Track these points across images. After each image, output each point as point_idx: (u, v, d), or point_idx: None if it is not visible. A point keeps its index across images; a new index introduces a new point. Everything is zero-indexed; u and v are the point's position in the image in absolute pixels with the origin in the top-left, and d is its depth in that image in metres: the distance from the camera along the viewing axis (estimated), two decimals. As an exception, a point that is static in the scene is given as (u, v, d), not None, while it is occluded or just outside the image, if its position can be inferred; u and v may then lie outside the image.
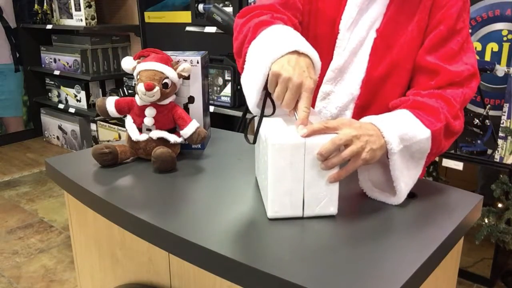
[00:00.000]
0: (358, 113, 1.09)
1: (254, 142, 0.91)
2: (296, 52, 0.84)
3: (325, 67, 1.10)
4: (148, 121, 1.09)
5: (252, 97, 0.88)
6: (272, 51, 0.85)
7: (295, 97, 0.82)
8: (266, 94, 0.88)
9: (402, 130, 0.88)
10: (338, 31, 1.08)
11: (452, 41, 1.02)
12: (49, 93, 4.13)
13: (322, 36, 1.10)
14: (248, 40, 0.94)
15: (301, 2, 1.09)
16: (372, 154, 0.83)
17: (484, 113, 2.03)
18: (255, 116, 0.90)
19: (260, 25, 0.93)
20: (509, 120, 1.86)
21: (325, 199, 0.83)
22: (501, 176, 1.85)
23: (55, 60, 3.91)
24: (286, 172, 0.80)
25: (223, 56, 2.63)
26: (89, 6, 3.45)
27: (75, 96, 3.83)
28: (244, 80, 0.92)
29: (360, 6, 1.05)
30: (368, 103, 1.10)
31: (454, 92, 1.00)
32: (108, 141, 3.40)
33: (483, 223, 1.87)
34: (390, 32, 1.05)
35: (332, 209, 0.84)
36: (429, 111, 0.94)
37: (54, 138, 4.16)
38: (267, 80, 0.85)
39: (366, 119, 0.89)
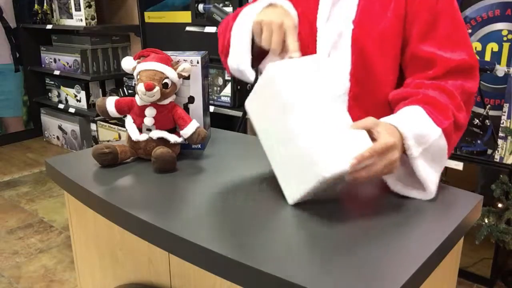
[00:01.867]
0: (353, 106, 1.10)
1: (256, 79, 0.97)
2: (270, 6, 0.98)
3: None
4: (148, 121, 1.09)
5: (246, 59, 1.01)
6: (251, 12, 0.99)
7: (281, 36, 0.92)
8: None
9: (418, 131, 0.89)
10: (317, 29, 1.10)
11: (440, 24, 1.02)
12: (49, 93, 4.13)
13: (305, 38, 1.13)
14: (230, 27, 1.07)
15: None
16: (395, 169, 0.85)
17: (484, 113, 2.03)
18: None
19: (236, 14, 1.08)
20: (509, 120, 1.86)
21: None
22: (501, 176, 1.85)
23: (55, 60, 3.92)
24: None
25: (223, 56, 2.63)
26: (89, 6, 3.45)
27: (75, 96, 3.83)
28: (233, 52, 1.04)
29: (333, 1, 1.08)
30: (361, 94, 1.11)
31: (454, 84, 1.00)
32: (108, 141, 3.40)
33: (483, 223, 1.86)
34: (367, 22, 1.06)
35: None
36: (440, 108, 0.95)
37: (54, 138, 4.16)
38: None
39: (386, 120, 0.89)
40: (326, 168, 0.77)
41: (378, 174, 0.83)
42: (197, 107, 1.18)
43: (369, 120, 0.85)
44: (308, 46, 1.12)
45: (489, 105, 2.04)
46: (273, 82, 0.83)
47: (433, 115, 0.93)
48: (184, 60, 1.13)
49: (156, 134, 1.08)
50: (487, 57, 2.04)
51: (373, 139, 0.84)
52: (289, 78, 0.82)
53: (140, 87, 1.04)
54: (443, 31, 1.02)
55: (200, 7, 2.61)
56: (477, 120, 2.05)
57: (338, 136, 0.81)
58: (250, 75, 1.02)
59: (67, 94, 3.93)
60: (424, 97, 0.97)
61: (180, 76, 1.10)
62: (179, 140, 1.10)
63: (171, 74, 1.07)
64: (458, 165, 1.97)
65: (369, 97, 1.10)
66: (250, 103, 0.93)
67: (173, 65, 1.09)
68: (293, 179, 0.86)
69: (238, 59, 1.03)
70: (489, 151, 1.98)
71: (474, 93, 1.04)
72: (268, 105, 0.87)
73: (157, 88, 1.04)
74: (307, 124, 0.80)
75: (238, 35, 1.02)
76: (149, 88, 1.03)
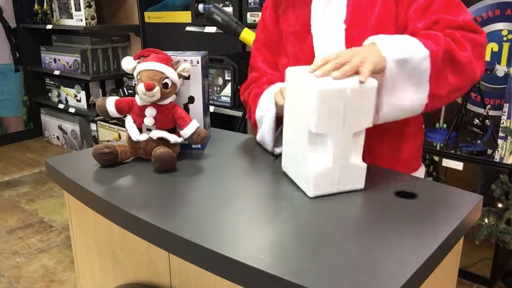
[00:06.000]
0: None
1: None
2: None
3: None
4: (148, 121, 1.09)
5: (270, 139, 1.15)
6: (270, 95, 1.12)
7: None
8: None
9: (400, 44, 0.93)
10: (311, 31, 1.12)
11: (435, 3, 1.01)
12: (49, 93, 4.13)
13: (302, 41, 1.14)
14: (253, 111, 1.21)
15: (275, 32, 1.22)
16: (365, 59, 0.88)
17: (484, 113, 2.03)
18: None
19: (255, 97, 1.20)
20: (509, 120, 1.86)
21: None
22: (501, 176, 1.85)
23: (55, 60, 3.92)
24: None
25: (223, 56, 2.63)
26: (89, 6, 3.45)
27: (75, 96, 3.83)
28: (264, 134, 1.17)
29: (324, 4, 1.09)
30: None
31: (458, 31, 0.98)
32: (108, 141, 3.40)
33: (483, 223, 1.86)
34: (358, 20, 1.07)
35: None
36: (430, 37, 0.96)
37: (54, 138, 4.16)
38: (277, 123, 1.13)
39: (367, 41, 0.96)
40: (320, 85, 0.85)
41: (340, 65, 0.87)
42: (197, 107, 1.18)
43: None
44: (305, 49, 1.13)
45: (489, 105, 2.05)
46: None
47: (423, 40, 0.94)
48: (184, 60, 1.13)
49: (156, 134, 1.08)
50: (487, 57, 2.04)
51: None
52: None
53: (140, 87, 1.04)
54: (438, 5, 1.01)
55: (200, 7, 2.61)
56: (477, 120, 2.05)
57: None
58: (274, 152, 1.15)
59: (67, 94, 3.93)
60: (417, 34, 0.99)
61: (180, 76, 1.10)
62: (179, 140, 1.10)
63: (171, 74, 1.07)
64: (458, 165, 1.97)
65: None
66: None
67: (173, 65, 1.09)
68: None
69: (265, 140, 1.17)
70: (489, 151, 1.98)
71: (480, 43, 1.00)
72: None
73: (157, 88, 1.04)
74: None
75: (263, 120, 1.15)
76: (149, 88, 1.03)
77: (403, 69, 0.93)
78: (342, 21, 1.07)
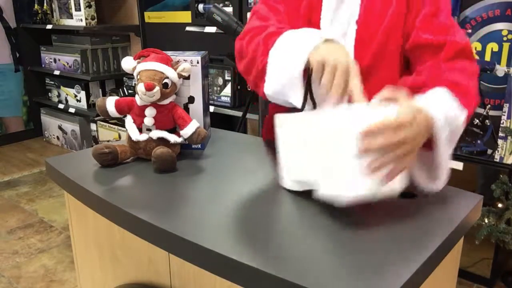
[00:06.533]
0: None
1: (303, 108, 0.93)
2: (328, 40, 0.90)
3: None
4: (148, 121, 1.09)
5: (298, 95, 0.93)
6: (307, 42, 0.90)
7: (344, 81, 0.84)
8: (307, 89, 0.92)
9: (450, 114, 0.87)
10: (320, 29, 1.10)
11: (441, 15, 1.03)
12: (49, 93, 4.13)
13: None
14: (262, 52, 0.99)
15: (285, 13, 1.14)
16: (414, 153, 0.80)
17: (484, 113, 2.03)
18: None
19: (270, 36, 1.00)
20: (509, 120, 1.86)
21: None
22: (501, 176, 1.85)
23: (55, 60, 3.91)
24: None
25: (223, 56, 2.63)
26: (89, 6, 3.45)
27: (75, 96, 3.83)
28: (277, 81, 0.97)
29: (336, 4, 1.08)
30: (365, 93, 1.11)
31: (464, 64, 0.99)
32: (108, 141, 3.40)
33: (483, 223, 1.86)
34: (370, 21, 1.07)
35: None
36: (464, 91, 0.93)
37: (54, 138, 4.16)
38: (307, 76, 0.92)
39: (420, 103, 0.84)
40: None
41: (389, 150, 0.76)
42: (197, 107, 1.18)
43: (396, 92, 0.83)
44: None
45: (489, 105, 2.04)
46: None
47: (459, 97, 0.91)
48: (184, 60, 1.13)
49: (156, 134, 1.08)
50: (487, 57, 2.04)
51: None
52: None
53: (140, 87, 1.04)
54: (445, 23, 1.03)
55: (200, 7, 2.61)
56: (477, 120, 2.05)
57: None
58: (299, 107, 0.96)
59: (67, 94, 3.92)
60: (448, 81, 0.94)
61: (180, 76, 1.10)
62: (179, 140, 1.10)
63: (171, 74, 1.07)
64: (458, 165, 1.97)
65: (373, 96, 1.10)
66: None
67: (173, 65, 1.09)
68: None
69: (286, 92, 0.96)
70: (489, 151, 1.98)
71: (477, 74, 1.01)
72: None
73: (157, 88, 1.04)
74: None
75: (287, 66, 0.94)
76: (149, 88, 1.03)
77: (449, 143, 0.89)
78: (354, 21, 1.07)
